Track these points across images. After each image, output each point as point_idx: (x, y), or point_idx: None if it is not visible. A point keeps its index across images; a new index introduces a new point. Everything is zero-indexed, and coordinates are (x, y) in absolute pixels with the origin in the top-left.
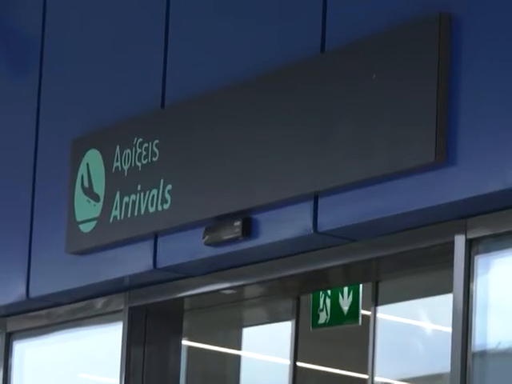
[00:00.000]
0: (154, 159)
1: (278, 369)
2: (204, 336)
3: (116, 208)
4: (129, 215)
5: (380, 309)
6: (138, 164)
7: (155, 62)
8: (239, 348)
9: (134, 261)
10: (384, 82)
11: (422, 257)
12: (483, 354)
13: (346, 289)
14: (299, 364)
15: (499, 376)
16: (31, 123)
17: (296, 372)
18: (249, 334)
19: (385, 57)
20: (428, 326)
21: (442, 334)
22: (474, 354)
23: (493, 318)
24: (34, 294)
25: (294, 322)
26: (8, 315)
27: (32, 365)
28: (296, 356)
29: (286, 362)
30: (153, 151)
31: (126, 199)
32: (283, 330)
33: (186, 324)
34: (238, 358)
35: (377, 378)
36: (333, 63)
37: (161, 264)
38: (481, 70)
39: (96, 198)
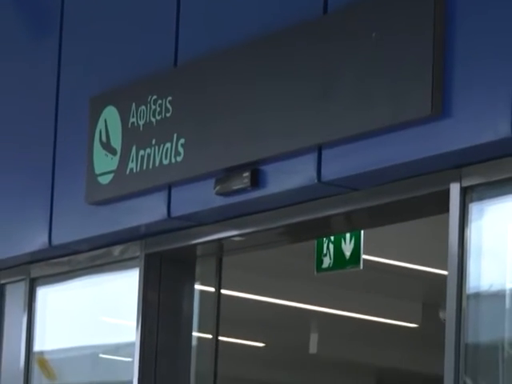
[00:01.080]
0: (168, 115)
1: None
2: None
3: (132, 161)
4: (144, 167)
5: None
6: (153, 119)
7: (168, 23)
8: (249, 291)
9: (150, 210)
10: (383, 40)
11: (419, 204)
12: (477, 295)
13: (348, 235)
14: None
15: (491, 315)
16: (52, 82)
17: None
18: (256, 277)
19: (383, 15)
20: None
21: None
22: (468, 296)
23: (486, 262)
24: (55, 241)
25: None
26: (32, 262)
27: (54, 309)
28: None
29: (292, 303)
30: (166, 107)
31: (141, 152)
32: (287, 274)
33: (198, 269)
34: (248, 300)
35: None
36: (334, 24)
37: (174, 213)
38: (475, 27)
39: (113, 152)
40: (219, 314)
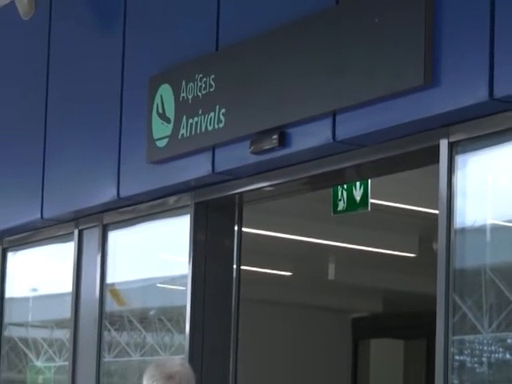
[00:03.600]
0: (211, 90)
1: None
2: (252, 223)
3: (183, 128)
4: (193, 133)
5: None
6: (199, 94)
7: (211, 15)
8: (280, 231)
9: (198, 167)
10: (383, 25)
11: (415, 157)
12: (464, 230)
13: (358, 183)
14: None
15: (475, 246)
16: (118, 65)
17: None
18: (285, 219)
19: (383, 4)
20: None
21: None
22: (455, 230)
23: (470, 202)
24: (123, 194)
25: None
26: (104, 211)
27: (122, 248)
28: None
29: (313, 240)
30: (210, 84)
31: (190, 121)
32: (309, 216)
33: (236, 214)
34: (279, 238)
35: None
36: (344, 12)
37: (217, 169)
38: (458, 14)
39: (168, 121)
40: (241, 248)
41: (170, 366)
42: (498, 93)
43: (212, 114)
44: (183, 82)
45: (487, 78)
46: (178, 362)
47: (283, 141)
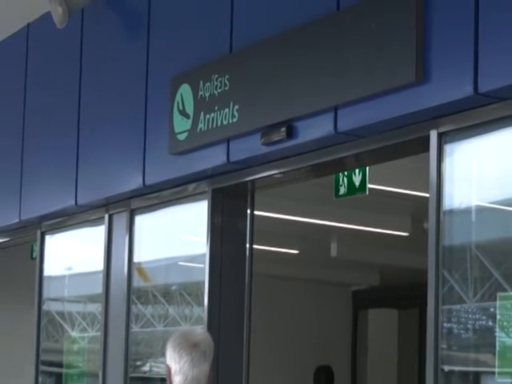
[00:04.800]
0: (226, 88)
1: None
2: (263, 206)
3: (201, 122)
4: (210, 127)
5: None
6: (215, 92)
7: (225, 22)
8: (288, 214)
9: (214, 158)
10: (379, 28)
11: (408, 146)
12: (452, 211)
13: (357, 170)
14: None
15: (461, 225)
16: (143, 67)
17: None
18: (292, 203)
19: (378, 11)
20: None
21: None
22: (444, 212)
23: (457, 186)
24: (148, 182)
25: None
26: (131, 197)
27: (147, 231)
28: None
29: (317, 221)
30: (225, 83)
31: (207, 116)
32: (313, 199)
33: (249, 199)
34: (287, 220)
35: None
36: (345, 17)
37: (232, 159)
38: (446, 19)
39: (187, 117)
40: (253, 230)
41: (195, 335)
42: (482, 88)
43: (227, 110)
44: (201, 82)
45: (472, 75)
46: (201, 331)
47: (290, 133)
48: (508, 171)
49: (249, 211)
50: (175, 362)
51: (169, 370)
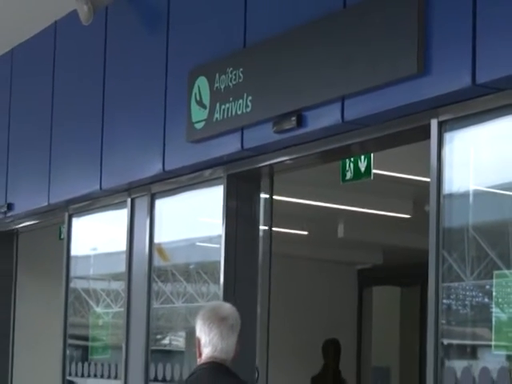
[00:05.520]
0: (240, 80)
1: (320, 208)
2: (274, 190)
3: (217, 112)
4: (225, 117)
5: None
6: (230, 84)
7: (239, 19)
8: (297, 197)
9: (229, 145)
10: (383, 24)
11: (410, 134)
12: (451, 195)
13: (362, 156)
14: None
15: (460, 208)
16: (162, 61)
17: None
18: (302, 187)
19: (382, 8)
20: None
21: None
22: (444, 195)
23: (456, 172)
24: (167, 168)
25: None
26: (152, 182)
27: (167, 214)
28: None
29: (326, 204)
30: (239, 75)
31: (223, 106)
32: (322, 184)
33: (262, 183)
34: (297, 203)
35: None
36: (351, 13)
37: (246, 146)
38: (447, 15)
39: (204, 107)
40: (266, 212)
41: (223, 310)
42: (480, 79)
43: (241, 101)
44: (217, 75)
45: (470, 67)
46: (229, 306)
47: (300, 122)
48: (504, 157)
49: (261, 195)
50: (205, 335)
51: (199, 341)
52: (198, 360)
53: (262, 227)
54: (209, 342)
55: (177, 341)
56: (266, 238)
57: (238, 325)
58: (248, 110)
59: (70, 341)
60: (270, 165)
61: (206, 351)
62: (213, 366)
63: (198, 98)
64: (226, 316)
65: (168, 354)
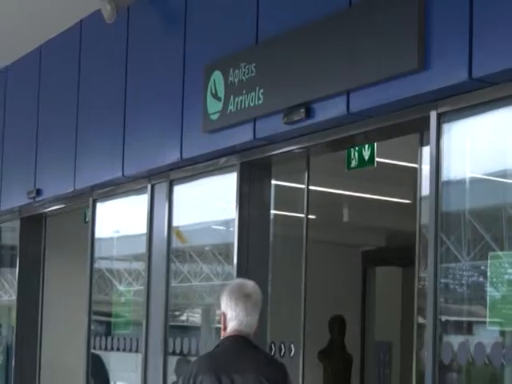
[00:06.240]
0: (252, 75)
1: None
2: (284, 177)
3: (231, 104)
4: (238, 108)
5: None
6: (243, 78)
7: (252, 17)
8: (310, 184)
9: (242, 135)
10: (386, 22)
11: (410, 125)
12: (449, 182)
13: (366, 146)
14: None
15: (457, 194)
16: (180, 57)
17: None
18: (310, 175)
19: (384, 7)
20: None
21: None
22: (442, 182)
23: (453, 160)
24: (185, 156)
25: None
26: (170, 170)
27: (184, 199)
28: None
29: (332, 190)
30: (251, 70)
31: (236, 99)
32: (328, 171)
33: (273, 171)
34: (305, 190)
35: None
36: (356, 12)
37: (258, 136)
38: (445, 12)
39: (219, 99)
40: (275, 197)
41: (248, 287)
42: (476, 74)
43: (253, 94)
44: (231, 69)
45: (467, 63)
46: (252, 283)
47: (309, 113)
48: (498, 147)
49: (272, 181)
50: (231, 310)
51: (224, 316)
52: (223, 333)
53: (272, 211)
54: (235, 317)
55: (193, 317)
56: (277, 221)
57: (260, 302)
58: (260, 102)
59: (94, 317)
60: (281, 153)
61: (232, 325)
62: (238, 338)
63: (213, 91)
64: (250, 293)
65: (185, 329)
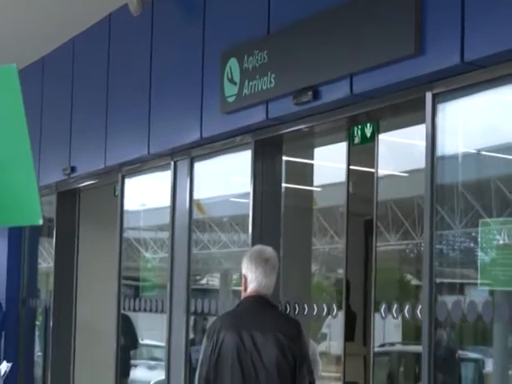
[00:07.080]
0: (265, 61)
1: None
2: (294, 154)
3: (245, 88)
4: (253, 92)
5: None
6: (257, 64)
7: (264, 9)
8: (311, 159)
9: (255, 115)
10: (386, 11)
11: (408, 105)
12: (443, 157)
13: (368, 124)
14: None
15: (451, 168)
16: (200, 44)
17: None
18: (317, 151)
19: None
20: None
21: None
22: (437, 158)
23: (447, 137)
24: (204, 135)
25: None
26: (191, 148)
27: (204, 174)
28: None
29: (342, 165)
30: (264, 57)
31: (251, 83)
32: (336, 149)
33: (284, 147)
34: (313, 165)
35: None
36: (359, 5)
37: (270, 116)
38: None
39: (235, 84)
40: (287, 172)
41: (267, 252)
42: (468, 58)
43: (265, 78)
44: (245, 56)
45: (459, 48)
46: (271, 249)
47: (316, 95)
48: (488, 124)
49: (284, 158)
50: (251, 272)
51: (245, 278)
52: (243, 294)
53: (284, 185)
54: (255, 279)
55: (212, 281)
56: (288, 194)
57: (277, 266)
58: (271, 85)
59: (123, 281)
60: (291, 132)
61: (251, 286)
62: (257, 298)
63: (229, 76)
64: (269, 257)
65: (205, 292)
